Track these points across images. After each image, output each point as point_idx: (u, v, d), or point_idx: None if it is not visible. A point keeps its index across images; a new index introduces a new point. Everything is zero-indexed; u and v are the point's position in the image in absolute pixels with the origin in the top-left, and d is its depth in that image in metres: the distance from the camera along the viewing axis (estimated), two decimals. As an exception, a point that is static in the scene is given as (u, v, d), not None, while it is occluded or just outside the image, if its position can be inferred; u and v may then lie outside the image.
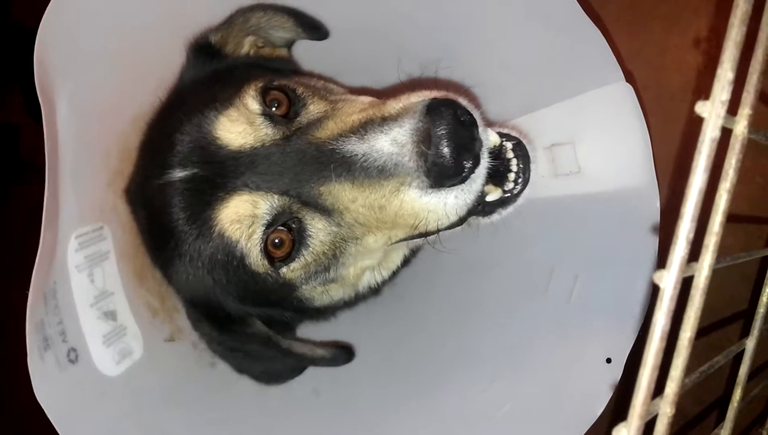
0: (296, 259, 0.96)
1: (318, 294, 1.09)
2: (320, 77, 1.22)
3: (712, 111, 0.35)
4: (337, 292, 1.12)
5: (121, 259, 1.11)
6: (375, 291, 1.20)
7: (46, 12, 0.85)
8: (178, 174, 0.95)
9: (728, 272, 0.78)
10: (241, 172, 0.91)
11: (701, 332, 1.39)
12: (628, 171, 1.18)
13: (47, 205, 0.86)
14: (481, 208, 0.94)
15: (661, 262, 0.36)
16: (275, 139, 0.92)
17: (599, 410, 1.01)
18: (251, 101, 0.95)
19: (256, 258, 0.94)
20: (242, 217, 0.92)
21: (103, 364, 1.01)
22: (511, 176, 0.97)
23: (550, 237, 1.25)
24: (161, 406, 1.10)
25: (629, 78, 1.21)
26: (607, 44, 1.16)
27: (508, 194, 0.97)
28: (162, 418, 1.08)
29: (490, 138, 0.86)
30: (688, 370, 0.55)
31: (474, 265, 1.36)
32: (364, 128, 0.84)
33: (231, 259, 0.95)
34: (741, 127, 0.40)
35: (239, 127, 0.93)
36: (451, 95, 0.84)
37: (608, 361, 1.08)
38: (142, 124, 1.13)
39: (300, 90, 0.99)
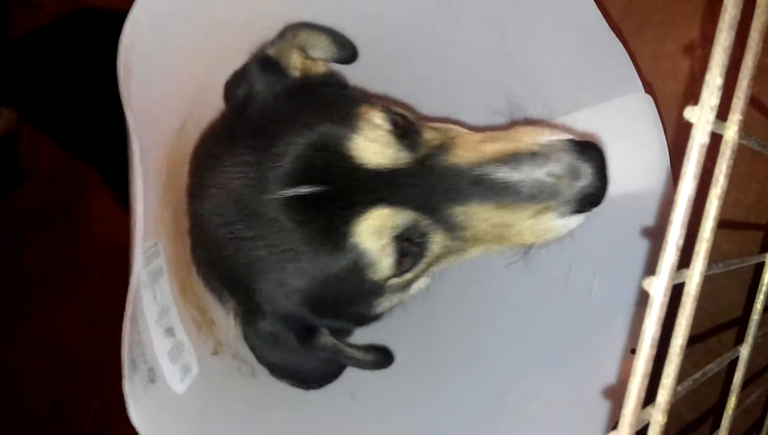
0: (411, 271, 1.02)
1: (387, 303, 1.13)
2: (388, 99, 1.28)
3: (701, 116, 0.35)
4: (394, 302, 1.15)
5: (168, 273, 1.11)
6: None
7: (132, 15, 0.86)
8: (303, 190, 0.96)
9: (725, 277, 0.77)
10: (379, 189, 0.96)
11: (699, 337, 1.39)
12: (646, 176, 1.22)
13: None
14: None
15: (652, 268, 0.36)
16: (409, 162, 0.98)
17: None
18: (381, 122, 0.99)
19: (384, 269, 0.98)
20: (382, 228, 0.96)
21: (173, 382, 1.02)
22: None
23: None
24: (220, 421, 1.11)
25: (648, 89, 1.26)
26: (627, 55, 1.22)
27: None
28: (223, 432, 1.10)
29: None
30: (685, 375, 0.54)
31: (490, 264, 1.38)
32: (515, 160, 0.94)
33: (354, 271, 0.98)
34: (731, 132, 0.39)
35: (376, 147, 0.97)
36: (586, 137, 0.97)
37: (632, 351, 1.10)
38: (188, 136, 1.14)
39: (407, 115, 1.04)
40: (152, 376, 0.96)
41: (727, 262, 0.51)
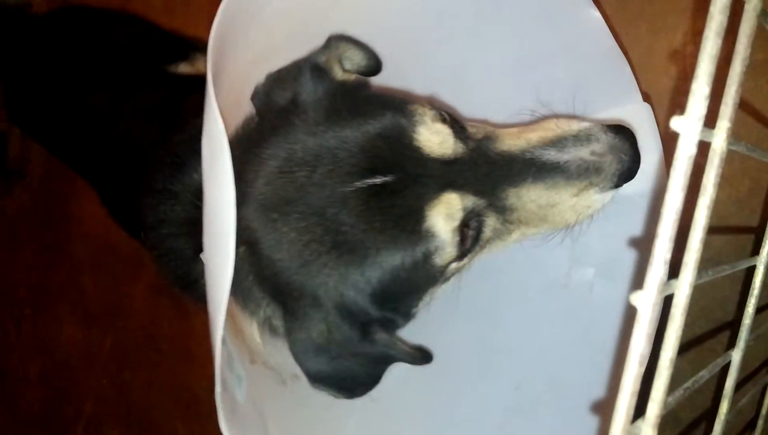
0: (468, 255, 1.07)
1: (429, 297, 1.15)
2: (431, 99, 1.36)
3: (687, 127, 0.34)
4: (436, 294, 1.17)
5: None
6: None
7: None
8: (377, 180, 1.00)
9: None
10: (445, 176, 1.02)
11: (694, 340, 1.39)
12: (643, 182, 1.27)
13: None
14: None
15: (639, 282, 0.35)
16: (465, 151, 1.05)
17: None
18: (435, 116, 1.06)
19: (450, 252, 1.03)
20: (452, 211, 1.01)
21: (236, 391, 1.04)
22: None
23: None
24: (275, 426, 1.13)
25: (646, 98, 1.36)
26: (630, 69, 1.32)
27: None
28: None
29: None
30: (679, 373, 0.53)
31: (493, 263, 1.40)
32: (560, 143, 1.04)
33: (425, 256, 1.02)
34: (719, 140, 0.38)
35: (440, 138, 1.04)
36: (615, 122, 1.07)
37: None
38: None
39: (451, 112, 1.10)
40: (224, 386, 0.95)
41: (718, 268, 0.50)
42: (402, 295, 1.11)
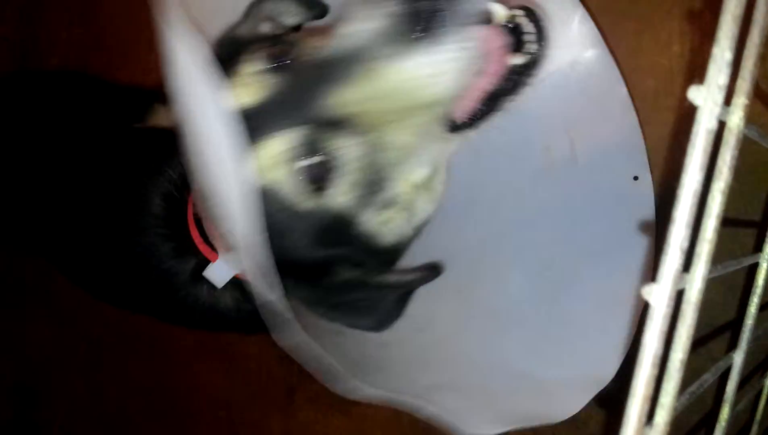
0: (333, 186, 0.96)
1: (379, 225, 1.07)
2: None
3: (708, 97, 0.30)
4: (396, 223, 1.10)
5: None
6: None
7: None
8: None
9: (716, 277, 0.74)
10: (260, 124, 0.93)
11: (695, 344, 1.36)
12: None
13: None
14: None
15: (649, 271, 0.31)
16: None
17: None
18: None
19: (293, 194, 0.95)
20: (275, 159, 0.93)
21: None
22: (529, 37, 0.95)
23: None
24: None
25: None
26: None
27: (531, 55, 0.96)
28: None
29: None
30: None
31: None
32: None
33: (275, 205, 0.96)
34: (736, 118, 0.35)
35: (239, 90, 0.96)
36: None
37: (635, 178, 1.24)
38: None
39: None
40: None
41: (725, 263, 0.46)
42: (311, 235, 1.03)
